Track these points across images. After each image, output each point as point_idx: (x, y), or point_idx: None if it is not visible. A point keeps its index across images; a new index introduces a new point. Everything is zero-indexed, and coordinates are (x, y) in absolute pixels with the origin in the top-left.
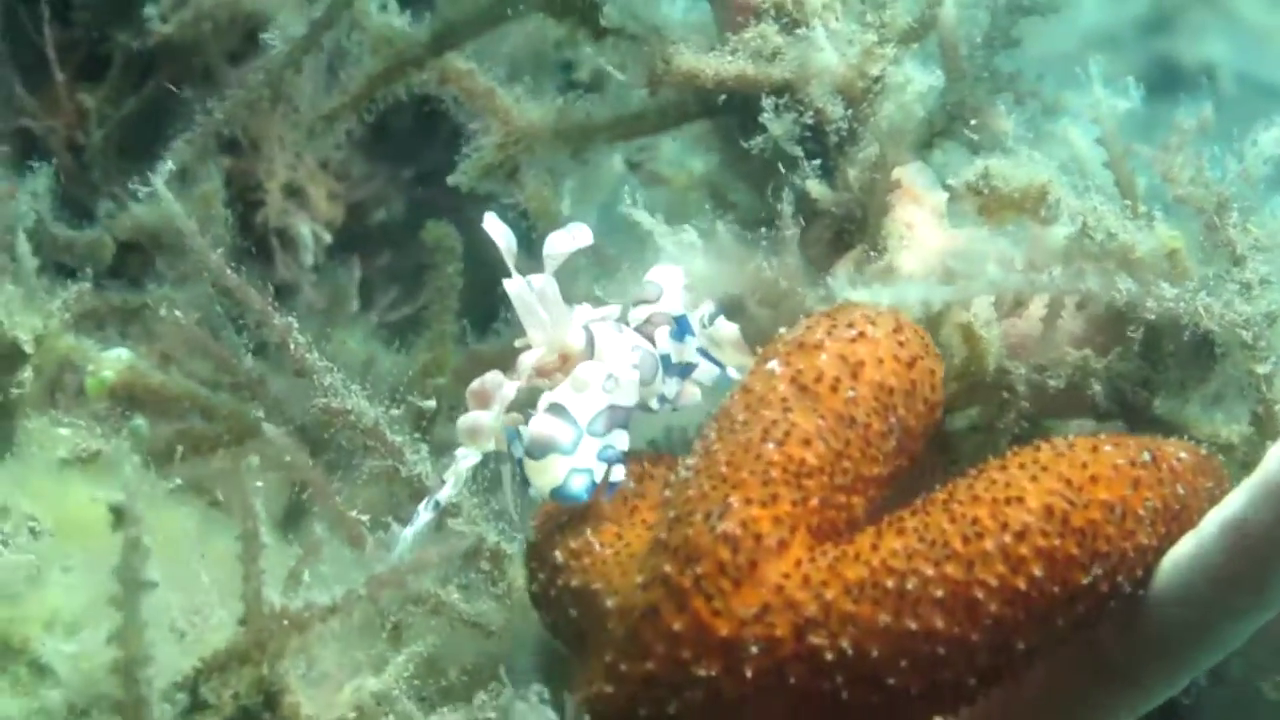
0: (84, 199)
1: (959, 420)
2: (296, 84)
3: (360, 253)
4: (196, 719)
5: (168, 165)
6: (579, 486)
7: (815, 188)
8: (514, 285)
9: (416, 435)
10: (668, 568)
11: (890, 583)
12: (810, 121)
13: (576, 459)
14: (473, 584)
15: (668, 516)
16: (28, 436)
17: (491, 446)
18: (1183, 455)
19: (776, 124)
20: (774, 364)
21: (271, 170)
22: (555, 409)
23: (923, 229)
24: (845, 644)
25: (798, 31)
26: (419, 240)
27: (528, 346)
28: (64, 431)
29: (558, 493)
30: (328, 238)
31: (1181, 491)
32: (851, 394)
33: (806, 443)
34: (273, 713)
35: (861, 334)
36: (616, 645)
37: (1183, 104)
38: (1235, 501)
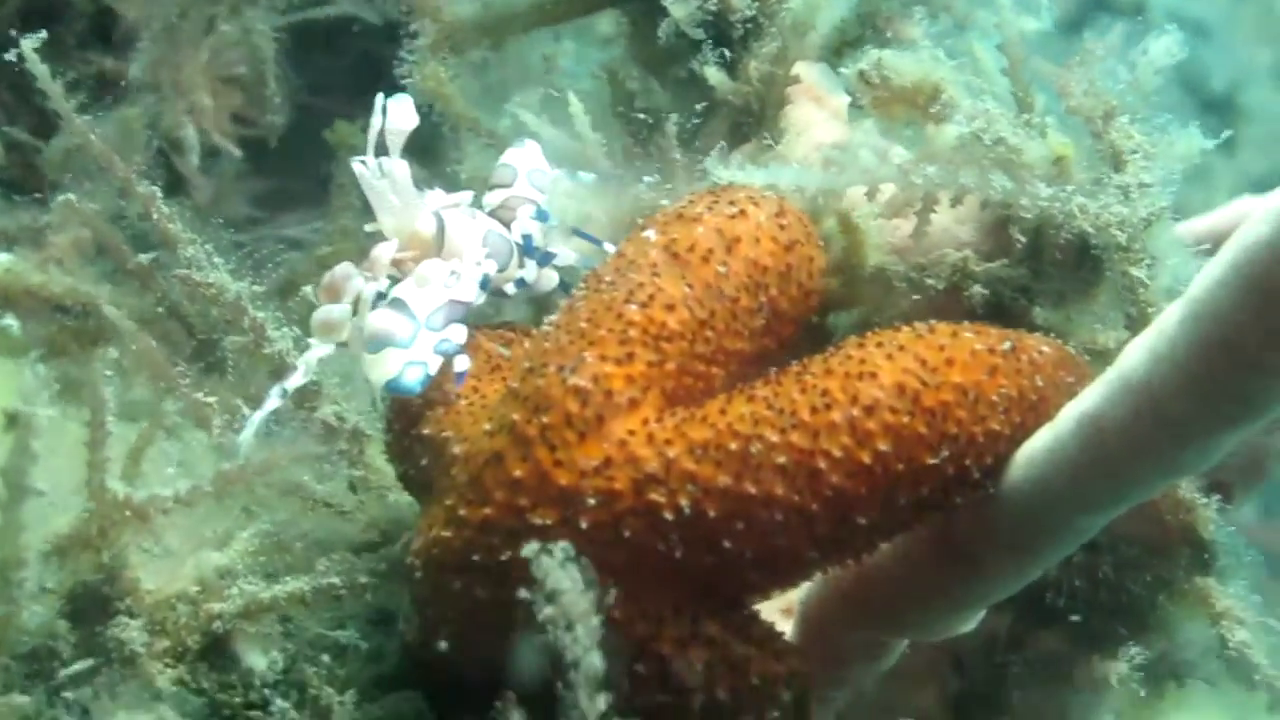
0: None
1: (839, 319)
2: None
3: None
4: (34, 602)
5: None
6: (414, 379)
7: (714, 75)
8: (362, 169)
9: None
10: (515, 416)
11: (734, 445)
12: (715, 8)
13: (412, 352)
14: (329, 462)
15: (522, 367)
16: None
17: (344, 338)
18: (1044, 349)
19: (680, 7)
20: (649, 232)
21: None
22: (395, 303)
23: (820, 128)
24: (684, 502)
25: None
26: (313, 150)
27: (378, 233)
28: None
29: (392, 384)
30: (237, 151)
31: (1040, 383)
32: (723, 268)
33: (670, 308)
34: (111, 587)
35: (742, 212)
36: (458, 490)
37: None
38: (1092, 396)
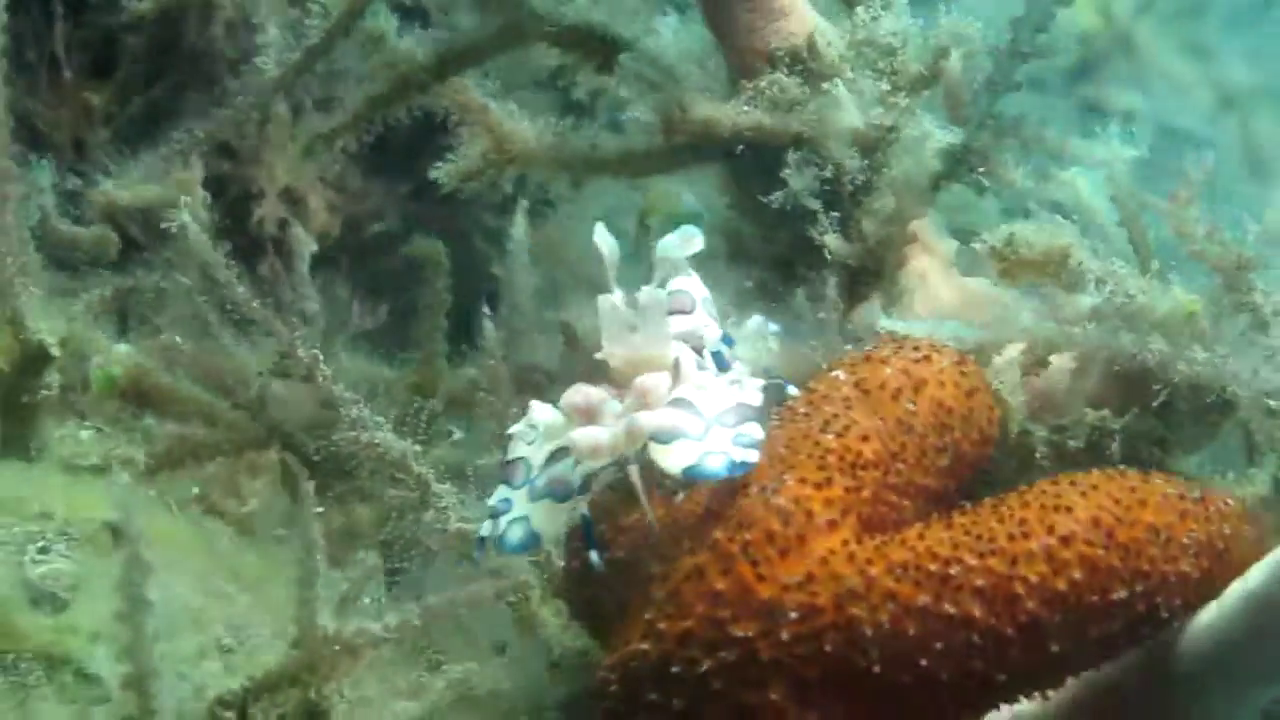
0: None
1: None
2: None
3: (352, 266)
4: None
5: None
6: (716, 465)
7: (833, 242)
8: (611, 302)
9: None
10: (718, 534)
11: (933, 567)
12: (829, 175)
13: (706, 444)
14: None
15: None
16: (58, 442)
17: (609, 460)
18: (1230, 501)
19: (798, 179)
20: (839, 372)
21: (272, 175)
22: (678, 403)
23: (934, 278)
24: (884, 618)
25: (818, 84)
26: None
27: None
28: (85, 435)
29: (691, 471)
30: (314, 247)
31: (1227, 531)
32: (911, 406)
33: (865, 438)
34: None
35: (926, 357)
36: (657, 605)
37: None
38: (1258, 574)
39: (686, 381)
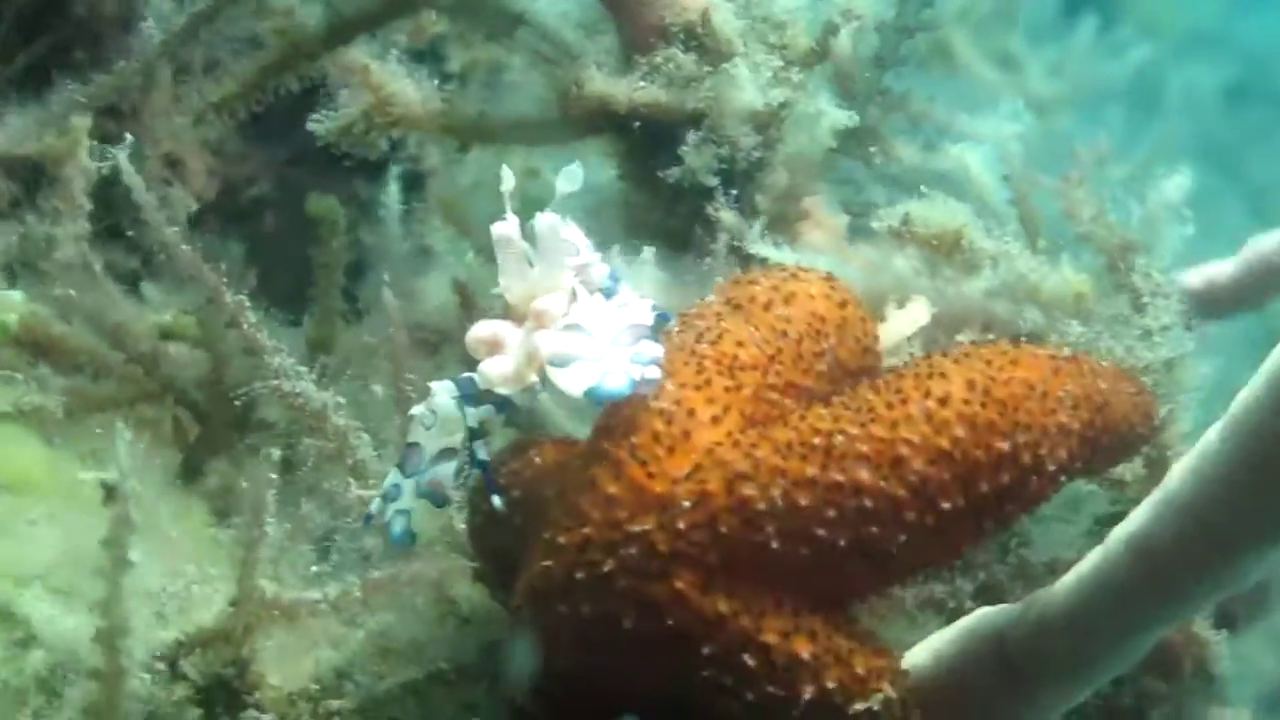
0: None
1: None
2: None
3: (224, 230)
4: (171, 687)
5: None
6: (619, 383)
7: (729, 218)
8: (506, 229)
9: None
10: (605, 444)
11: (817, 440)
12: (726, 153)
13: (604, 364)
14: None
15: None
16: None
17: (519, 386)
18: (1104, 362)
19: (697, 157)
20: (710, 296)
21: (154, 138)
22: (569, 328)
23: (826, 252)
24: (775, 494)
25: (713, 60)
26: (289, 219)
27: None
28: None
29: (593, 392)
30: (194, 206)
31: (1103, 386)
32: (783, 312)
33: (740, 344)
34: (241, 680)
35: (794, 275)
36: (554, 522)
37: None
38: (1138, 518)
39: (580, 305)
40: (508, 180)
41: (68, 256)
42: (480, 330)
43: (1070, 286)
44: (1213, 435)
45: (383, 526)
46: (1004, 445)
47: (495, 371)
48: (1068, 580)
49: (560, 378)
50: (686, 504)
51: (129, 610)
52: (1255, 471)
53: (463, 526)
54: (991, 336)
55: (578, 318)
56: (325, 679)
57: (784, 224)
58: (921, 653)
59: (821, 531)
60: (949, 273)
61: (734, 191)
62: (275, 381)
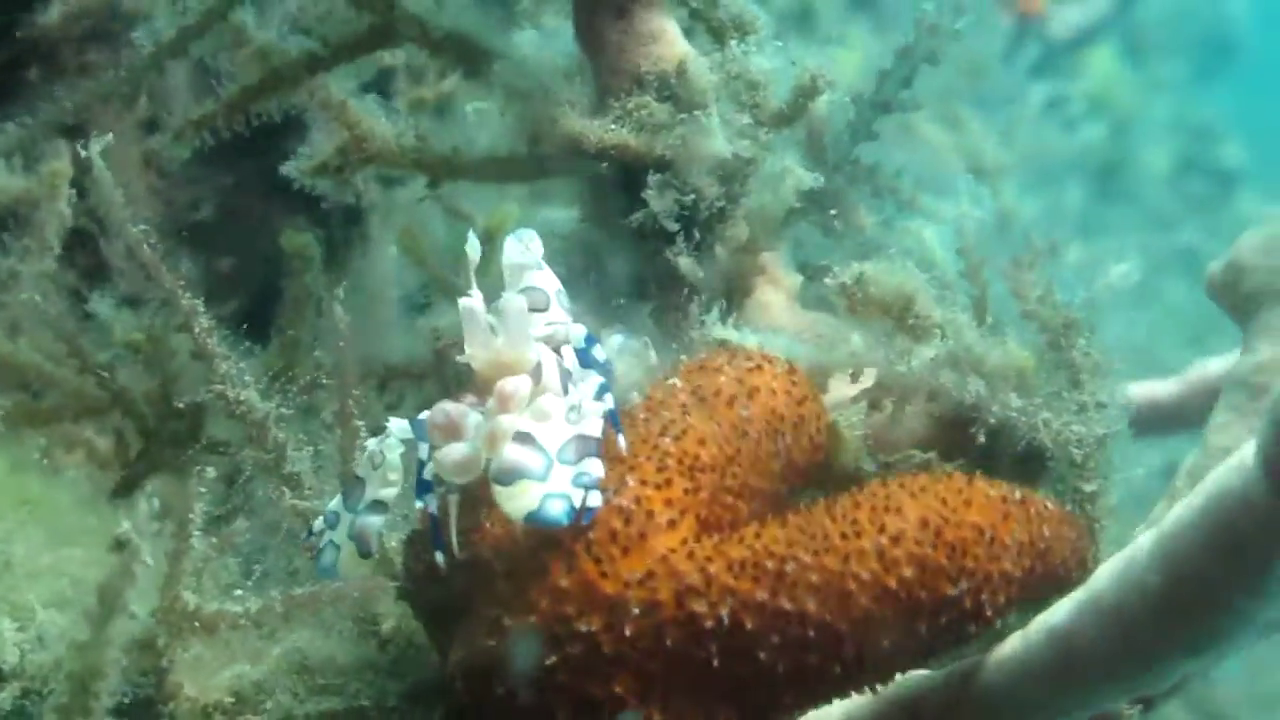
0: None
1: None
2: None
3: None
4: None
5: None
6: (556, 511)
7: (687, 265)
8: (471, 303)
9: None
10: (560, 534)
11: (770, 564)
12: (688, 200)
13: (549, 485)
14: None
15: None
16: None
17: (474, 477)
18: (1049, 505)
19: (659, 201)
20: (675, 380)
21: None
22: (522, 437)
23: (777, 310)
24: (723, 613)
25: (685, 110)
26: (226, 244)
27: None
28: None
29: (533, 517)
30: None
31: (1047, 533)
32: (745, 412)
33: (701, 442)
34: (158, 690)
35: (759, 366)
36: (502, 602)
37: None
38: (1062, 611)
39: (546, 391)
40: (473, 249)
41: (29, 294)
42: (437, 417)
43: (1014, 360)
44: (1143, 546)
45: (313, 549)
46: (950, 590)
47: (449, 460)
48: (988, 660)
49: (504, 499)
50: (636, 610)
51: (109, 658)
52: (1181, 594)
53: (399, 558)
54: (934, 408)
55: (528, 426)
56: (243, 692)
57: (740, 278)
58: (836, 713)
59: (763, 655)
60: (900, 342)
61: (696, 237)
62: (220, 386)
